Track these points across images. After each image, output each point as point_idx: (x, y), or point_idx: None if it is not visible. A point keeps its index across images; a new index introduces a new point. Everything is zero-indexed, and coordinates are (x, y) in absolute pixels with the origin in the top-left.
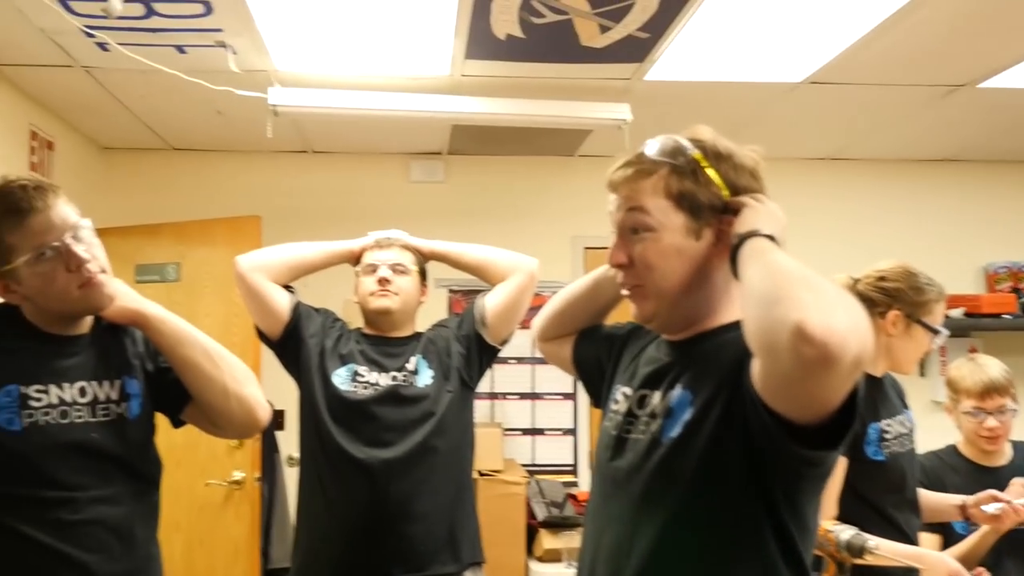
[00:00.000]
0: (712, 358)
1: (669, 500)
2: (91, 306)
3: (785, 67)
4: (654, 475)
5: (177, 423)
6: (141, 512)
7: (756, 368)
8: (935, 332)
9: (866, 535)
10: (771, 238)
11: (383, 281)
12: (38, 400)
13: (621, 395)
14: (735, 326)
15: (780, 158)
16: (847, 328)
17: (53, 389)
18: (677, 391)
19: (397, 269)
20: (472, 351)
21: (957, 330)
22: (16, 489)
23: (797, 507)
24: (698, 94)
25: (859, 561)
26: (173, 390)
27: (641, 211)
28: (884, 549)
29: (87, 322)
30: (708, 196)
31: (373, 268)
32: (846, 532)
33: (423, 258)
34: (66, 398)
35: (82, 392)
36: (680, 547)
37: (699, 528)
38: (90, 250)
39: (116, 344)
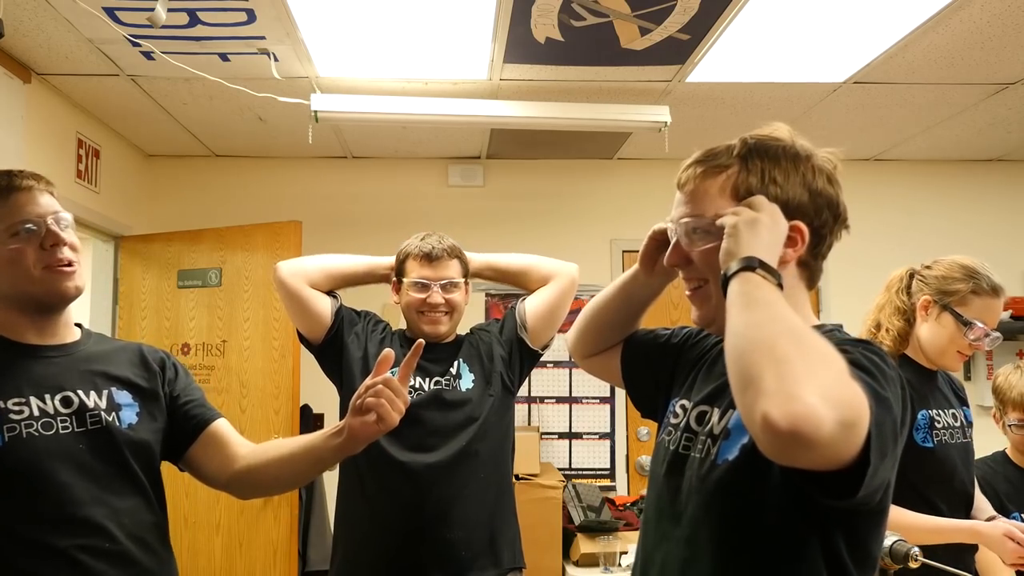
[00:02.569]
0: None
1: (723, 526)
2: (52, 291)
3: (828, 67)
4: (710, 499)
5: (180, 463)
6: (144, 527)
7: None
8: (966, 324)
9: (909, 543)
10: (750, 267)
11: (434, 306)
12: (18, 413)
13: (680, 408)
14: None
15: None
16: (815, 405)
17: (33, 400)
18: (737, 412)
19: (448, 288)
20: (514, 355)
21: (1004, 333)
22: (8, 508)
23: (859, 539)
24: (739, 96)
25: (900, 566)
26: (180, 426)
27: (704, 212)
28: (931, 530)
29: (69, 332)
30: (776, 197)
31: (423, 287)
32: (889, 538)
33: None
34: (48, 409)
35: (66, 402)
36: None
37: (753, 558)
38: (69, 239)
39: (109, 359)
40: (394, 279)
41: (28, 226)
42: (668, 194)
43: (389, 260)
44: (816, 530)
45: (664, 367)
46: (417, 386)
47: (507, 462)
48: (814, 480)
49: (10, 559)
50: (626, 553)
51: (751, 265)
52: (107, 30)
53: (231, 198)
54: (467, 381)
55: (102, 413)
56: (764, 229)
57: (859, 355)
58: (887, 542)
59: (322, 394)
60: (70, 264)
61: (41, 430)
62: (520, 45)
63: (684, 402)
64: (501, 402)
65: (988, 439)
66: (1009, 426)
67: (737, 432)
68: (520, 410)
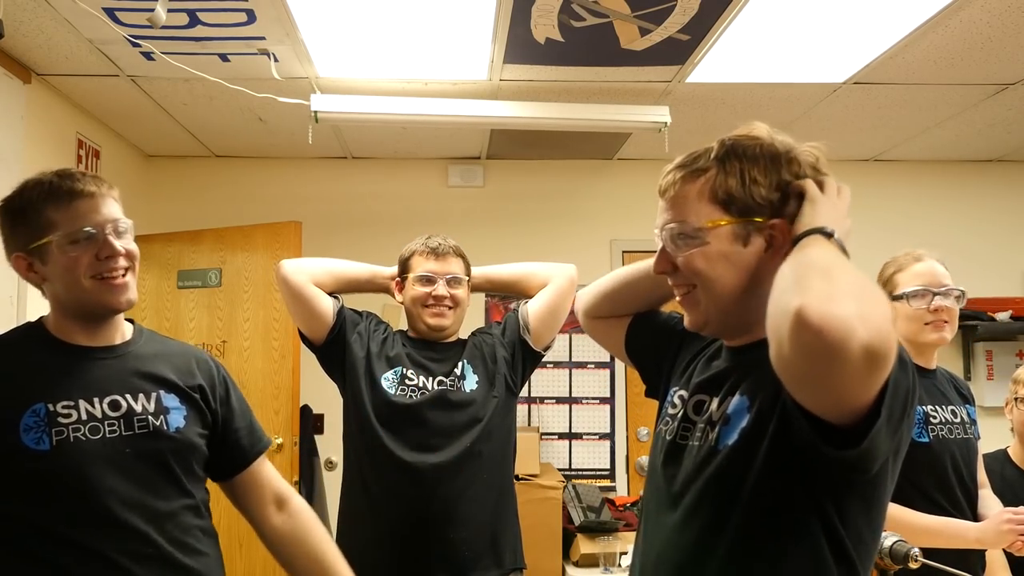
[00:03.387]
0: (769, 364)
1: (724, 510)
2: (101, 302)
3: (828, 68)
4: (709, 484)
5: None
6: (188, 531)
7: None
8: (902, 297)
9: (908, 543)
10: (830, 235)
11: (440, 298)
12: (67, 416)
13: (678, 398)
14: None
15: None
16: (851, 316)
17: (82, 404)
18: (735, 398)
19: (453, 283)
20: (516, 356)
21: (1004, 334)
22: (45, 515)
23: (849, 520)
24: (740, 96)
25: (900, 567)
26: (228, 454)
27: (686, 218)
28: (931, 530)
29: (119, 333)
30: (757, 198)
31: (429, 280)
32: (889, 539)
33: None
34: (96, 413)
35: (114, 405)
36: (734, 560)
37: (753, 541)
38: (126, 247)
39: (158, 360)
40: (397, 279)
41: (87, 232)
42: None
43: (390, 270)
44: (815, 510)
45: (668, 353)
46: (421, 385)
47: (509, 463)
48: (818, 428)
49: (52, 562)
50: (626, 553)
51: (827, 232)
52: (107, 30)
53: (231, 198)
54: (471, 382)
55: (150, 417)
56: (842, 212)
57: None
58: (887, 542)
59: (322, 395)
60: (125, 273)
61: (88, 434)
62: (520, 45)
63: (682, 392)
64: (504, 403)
65: (989, 439)
66: (1016, 399)
67: (737, 416)
68: (520, 410)
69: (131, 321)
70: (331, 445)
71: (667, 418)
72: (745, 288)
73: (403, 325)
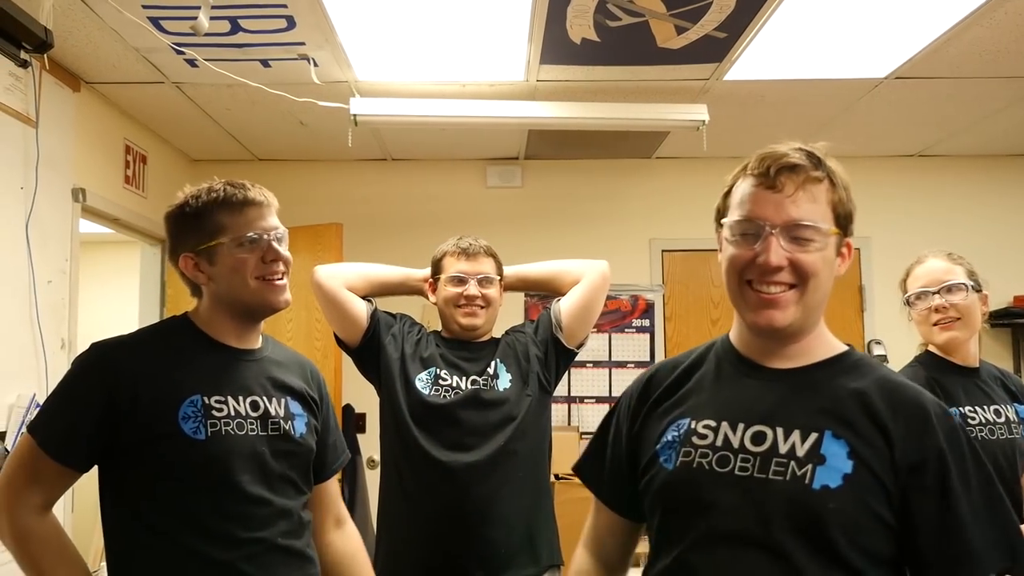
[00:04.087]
0: (841, 400)
1: (822, 551)
2: (264, 301)
3: (869, 63)
4: (798, 525)
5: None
6: (303, 528)
7: None
8: (908, 303)
9: None
10: None
11: (471, 298)
12: (219, 411)
13: (704, 428)
14: (839, 360)
15: (865, 156)
16: None
17: (231, 400)
18: (826, 437)
19: (484, 283)
20: (549, 355)
21: None
22: (196, 499)
23: None
24: (779, 93)
25: None
26: (314, 464)
27: (817, 220)
28: None
29: (257, 337)
30: (848, 216)
31: (460, 280)
32: None
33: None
34: (241, 410)
35: (254, 406)
36: None
37: None
38: (285, 254)
39: (285, 368)
40: (430, 279)
41: (255, 237)
42: (707, 192)
43: (422, 272)
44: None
45: (625, 460)
46: (455, 385)
47: (545, 461)
48: None
49: (186, 543)
50: None
51: None
52: (152, 39)
53: None
54: (504, 381)
55: (281, 421)
56: None
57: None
58: None
59: (364, 394)
60: (282, 276)
61: (236, 430)
62: (556, 46)
63: (708, 422)
64: (538, 402)
65: None
66: None
67: (834, 459)
68: (560, 410)
69: None
70: (373, 444)
71: (695, 449)
72: (825, 298)
73: (439, 326)
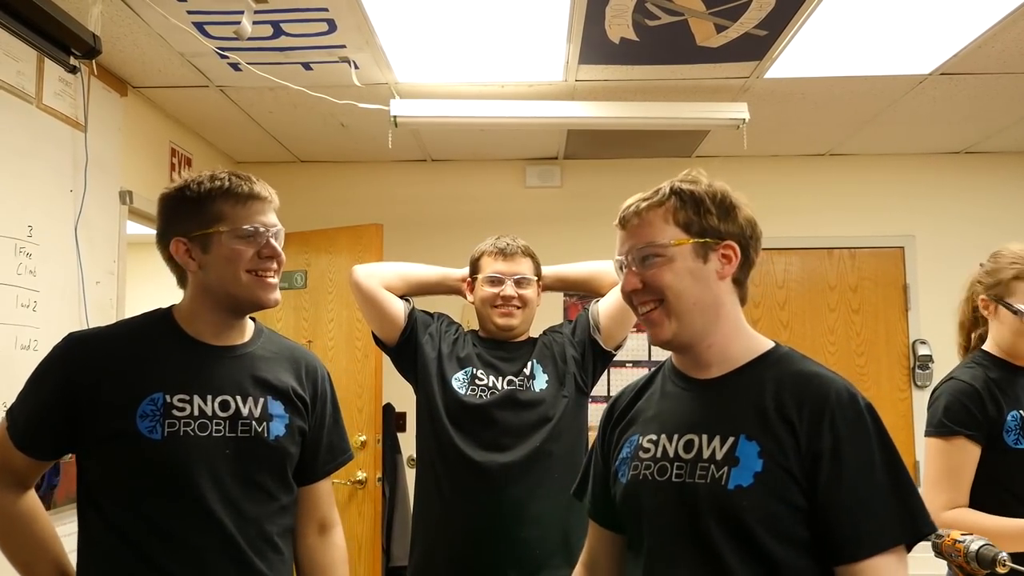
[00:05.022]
0: (757, 400)
1: (744, 548)
2: (254, 297)
3: (913, 59)
4: (721, 522)
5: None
6: (265, 536)
7: None
8: (1016, 313)
9: (996, 548)
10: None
11: (508, 298)
12: (181, 410)
13: (648, 442)
14: (762, 360)
15: (909, 153)
16: None
17: (196, 400)
18: (739, 440)
19: (521, 283)
20: (587, 356)
21: None
22: (151, 500)
23: None
24: (820, 90)
25: (987, 572)
26: (302, 465)
27: (653, 239)
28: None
29: (241, 333)
30: (711, 224)
31: (497, 281)
32: (976, 543)
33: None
34: (207, 411)
35: (224, 406)
36: None
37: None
38: (280, 253)
39: (272, 365)
40: (468, 279)
41: (254, 230)
42: (749, 191)
43: (460, 272)
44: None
45: (601, 478)
46: (491, 385)
47: (580, 462)
48: None
49: (139, 546)
50: None
51: None
52: (197, 44)
53: (315, 202)
54: (540, 382)
55: (253, 423)
56: None
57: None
58: (973, 546)
59: (404, 393)
60: (273, 276)
61: (197, 431)
62: (595, 46)
63: (651, 436)
64: (575, 403)
65: None
66: None
67: (747, 459)
68: (598, 410)
69: (253, 320)
70: (413, 442)
71: (635, 462)
72: (708, 303)
73: (475, 325)
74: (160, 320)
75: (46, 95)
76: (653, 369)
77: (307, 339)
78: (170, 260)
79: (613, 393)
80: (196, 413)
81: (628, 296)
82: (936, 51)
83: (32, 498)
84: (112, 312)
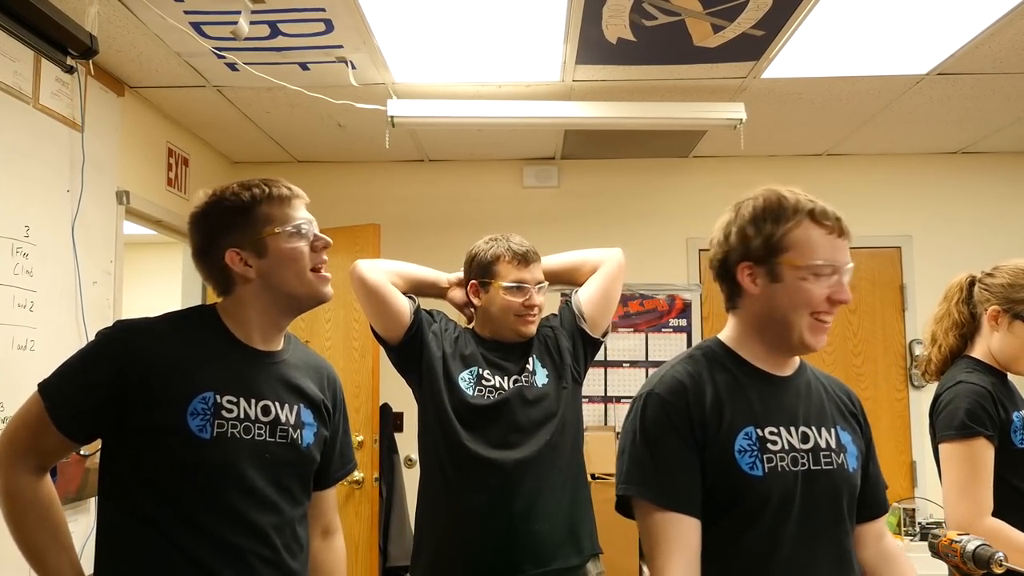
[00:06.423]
0: (827, 396)
1: (845, 520)
2: (315, 293)
3: (909, 59)
4: (850, 501)
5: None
6: (295, 539)
7: None
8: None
9: (993, 548)
10: None
11: (532, 307)
12: (229, 411)
13: (770, 434)
14: (802, 362)
15: (906, 153)
16: None
17: (242, 403)
18: (837, 430)
19: (541, 290)
20: (577, 346)
21: None
22: (191, 497)
23: None
24: (818, 90)
25: (983, 572)
26: (323, 462)
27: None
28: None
29: (280, 339)
30: None
31: (522, 290)
32: (972, 543)
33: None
34: (251, 414)
35: (265, 411)
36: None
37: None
38: None
39: (303, 373)
40: (475, 282)
41: (303, 225)
42: (745, 191)
43: (452, 276)
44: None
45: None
46: (498, 385)
47: (581, 452)
48: None
49: (188, 549)
50: None
51: None
52: (194, 44)
53: (312, 202)
54: (542, 377)
55: (290, 429)
56: None
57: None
58: (970, 546)
59: (401, 393)
60: (326, 270)
61: (242, 433)
62: (592, 46)
63: (771, 428)
64: (572, 394)
65: None
66: None
67: (850, 446)
68: (596, 410)
69: None
70: (410, 443)
71: (768, 455)
72: None
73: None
74: (208, 319)
75: (43, 95)
76: (688, 363)
77: (304, 339)
78: (220, 272)
79: (612, 394)
80: (242, 416)
81: (836, 304)
82: (933, 51)
83: (49, 484)
84: (109, 312)
